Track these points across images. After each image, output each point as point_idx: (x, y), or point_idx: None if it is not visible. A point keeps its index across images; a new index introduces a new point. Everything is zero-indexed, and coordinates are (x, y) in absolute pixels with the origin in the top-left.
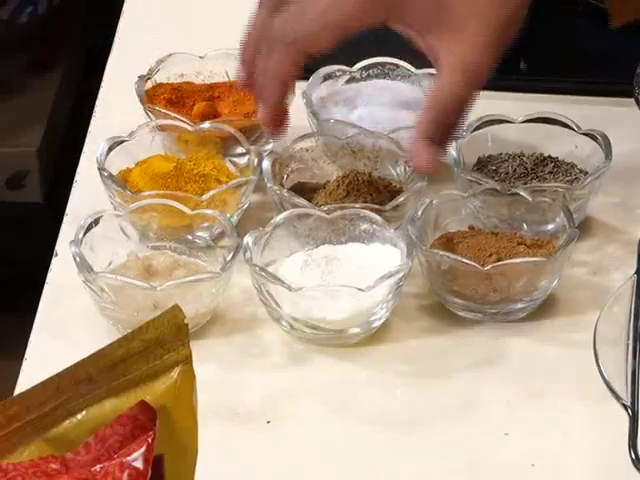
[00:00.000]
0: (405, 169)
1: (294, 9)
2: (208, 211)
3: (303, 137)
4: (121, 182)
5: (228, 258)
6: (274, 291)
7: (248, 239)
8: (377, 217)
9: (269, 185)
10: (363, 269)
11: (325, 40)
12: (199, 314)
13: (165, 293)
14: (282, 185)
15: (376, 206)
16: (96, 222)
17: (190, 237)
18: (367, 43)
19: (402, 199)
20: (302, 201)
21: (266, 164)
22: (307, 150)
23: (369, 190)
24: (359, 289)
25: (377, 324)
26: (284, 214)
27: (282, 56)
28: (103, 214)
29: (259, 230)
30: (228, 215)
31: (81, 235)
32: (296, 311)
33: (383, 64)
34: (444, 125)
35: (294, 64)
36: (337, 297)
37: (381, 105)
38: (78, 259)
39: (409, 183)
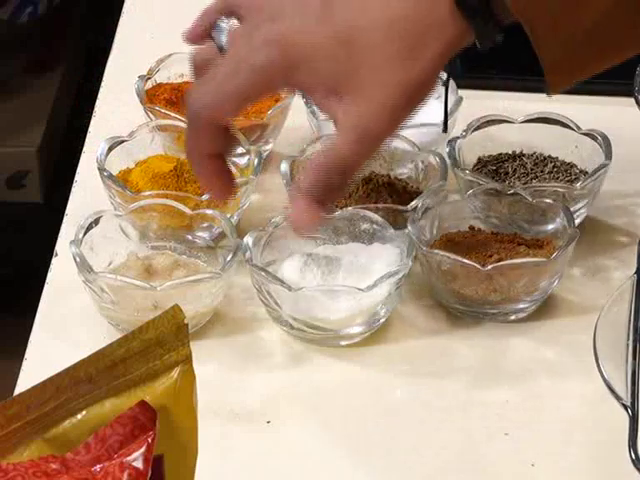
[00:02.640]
0: (421, 169)
1: (200, 81)
2: (208, 211)
3: (319, 139)
4: (121, 182)
5: (228, 258)
6: (274, 291)
7: (248, 239)
8: (377, 217)
9: (288, 188)
10: (363, 269)
11: (227, 110)
12: (199, 314)
13: (165, 293)
14: (300, 187)
15: (399, 207)
16: (96, 222)
17: (190, 237)
18: None
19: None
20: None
21: (284, 167)
22: None
23: (389, 191)
24: (359, 289)
25: (377, 324)
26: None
27: (194, 132)
28: (103, 214)
29: (259, 230)
30: (228, 215)
31: (81, 235)
32: (296, 311)
33: None
34: (326, 185)
35: (208, 137)
36: (337, 297)
37: None
38: (78, 259)
39: (427, 183)
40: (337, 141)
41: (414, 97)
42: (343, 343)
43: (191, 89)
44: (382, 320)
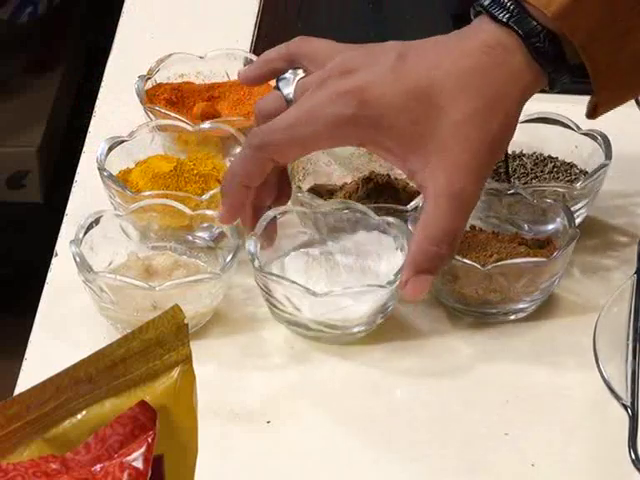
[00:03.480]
0: None
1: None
2: (208, 211)
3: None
4: (121, 182)
5: (228, 259)
6: (292, 296)
7: (250, 245)
8: (359, 205)
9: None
10: (360, 258)
11: (291, 153)
12: (199, 314)
13: (164, 293)
14: (300, 188)
15: (399, 207)
16: (96, 222)
17: (190, 237)
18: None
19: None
20: (320, 202)
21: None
22: (322, 152)
23: (389, 191)
24: (382, 286)
25: (386, 314)
26: (265, 216)
27: (247, 160)
28: (103, 214)
29: (253, 234)
30: None
31: (81, 235)
32: (317, 314)
33: None
34: (436, 257)
35: (258, 170)
36: (362, 297)
37: None
38: (78, 259)
39: None
40: (434, 210)
41: (497, 151)
42: (358, 337)
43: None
44: (390, 309)
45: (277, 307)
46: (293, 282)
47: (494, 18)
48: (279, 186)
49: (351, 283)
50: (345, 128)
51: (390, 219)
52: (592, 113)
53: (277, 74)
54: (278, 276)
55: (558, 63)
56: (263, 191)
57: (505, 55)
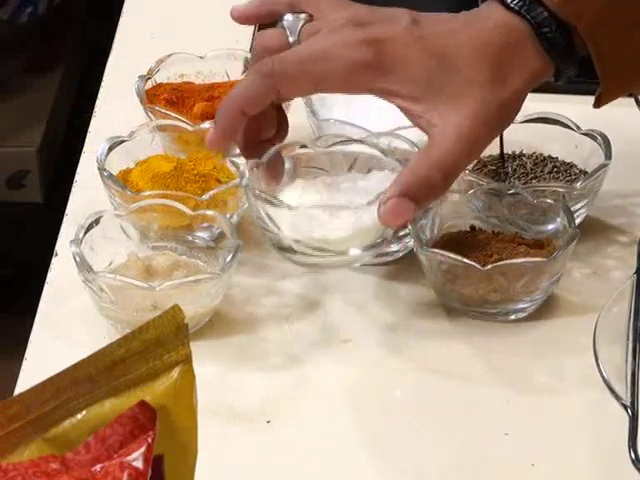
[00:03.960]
0: None
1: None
2: (208, 212)
3: (319, 139)
4: (121, 182)
5: (228, 259)
6: (273, 213)
7: (245, 167)
8: (372, 149)
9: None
10: (362, 191)
11: (300, 87)
12: (199, 314)
13: (164, 293)
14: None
15: None
16: (96, 222)
17: (190, 238)
18: None
19: None
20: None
21: (288, 165)
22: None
23: None
24: (358, 205)
25: (380, 247)
26: (276, 148)
27: (251, 86)
28: (103, 214)
29: (256, 160)
30: (228, 215)
31: (81, 235)
32: (296, 232)
33: None
34: (427, 184)
35: (261, 98)
36: (338, 214)
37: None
38: (78, 259)
39: None
40: (440, 141)
41: (505, 113)
42: (347, 265)
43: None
44: (384, 243)
45: (264, 228)
46: (271, 196)
47: (505, 5)
48: (278, 120)
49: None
50: (359, 73)
51: (400, 159)
52: (597, 101)
53: (275, 16)
54: (260, 191)
55: (567, 54)
56: (262, 123)
57: (518, 38)
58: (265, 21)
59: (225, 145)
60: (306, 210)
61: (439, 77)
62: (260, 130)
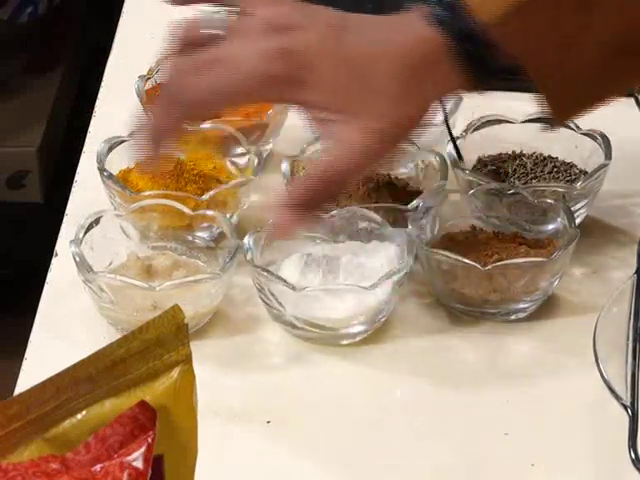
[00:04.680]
0: (421, 169)
1: (209, 59)
2: (208, 212)
3: (319, 139)
4: (121, 182)
5: (228, 259)
6: (277, 291)
7: (249, 240)
8: (375, 215)
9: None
10: (363, 268)
11: (214, 106)
12: (199, 314)
13: (164, 293)
14: None
15: (399, 206)
16: (96, 222)
17: (190, 238)
18: None
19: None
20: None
21: (285, 166)
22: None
23: (389, 191)
24: (363, 287)
25: (378, 323)
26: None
27: (168, 104)
28: (103, 214)
29: (258, 230)
30: (228, 215)
31: (81, 235)
32: (299, 311)
33: None
34: (314, 192)
35: (180, 124)
36: (341, 296)
37: None
38: (78, 259)
39: (426, 183)
40: (332, 152)
41: (407, 129)
42: (344, 342)
43: (179, 63)
44: (383, 319)
45: (266, 303)
46: (275, 275)
47: (428, 16)
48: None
49: (342, 286)
50: (273, 86)
51: (401, 230)
52: (551, 122)
53: (207, 1)
54: (264, 269)
55: (484, 67)
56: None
57: (431, 50)
58: (199, 3)
59: (156, 165)
60: (310, 292)
61: (351, 92)
62: None
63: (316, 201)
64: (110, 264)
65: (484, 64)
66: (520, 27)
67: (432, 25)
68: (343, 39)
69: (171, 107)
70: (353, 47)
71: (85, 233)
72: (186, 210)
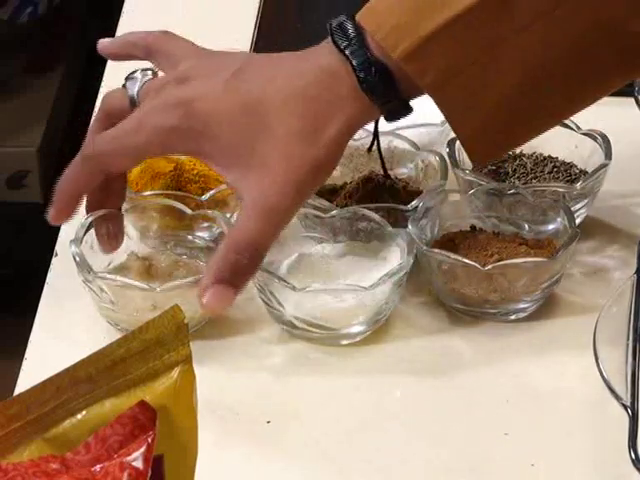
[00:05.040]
0: (421, 169)
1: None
2: (208, 211)
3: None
4: None
5: None
6: (277, 291)
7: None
8: (375, 216)
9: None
10: (363, 268)
11: (121, 163)
12: (199, 314)
13: (164, 294)
14: None
15: (399, 207)
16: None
17: (190, 237)
18: None
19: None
20: (323, 202)
21: None
22: None
23: (389, 191)
24: (363, 288)
25: (379, 323)
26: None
27: (75, 167)
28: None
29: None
30: (228, 215)
31: (81, 234)
32: (299, 311)
33: None
34: (236, 266)
35: (85, 179)
36: (341, 296)
37: None
38: (78, 259)
39: (426, 183)
40: (243, 220)
41: (318, 172)
42: (344, 342)
43: (96, 133)
44: (383, 319)
45: (267, 303)
46: (275, 275)
47: (334, 43)
48: (111, 186)
49: (342, 285)
50: (170, 138)
51: (401, 230)
52: (471, 160)
53: (132, 59)
54: (264, 269)
55: (389, 97)
56: (106, 193)
57: (334, 82)
58: (126, 60)
59: (66, 220)
60: (310, 292)
61: (250, 139)
62: (105, 200)
63: (240, 272)
64: (109, 264)
65: (394, 94)
66: (424, 58)
67: (338, 54)
68: (241, 83)
69: (82, 161)
70: (251, 91)
71: (85, 233)
72: (186, 210)
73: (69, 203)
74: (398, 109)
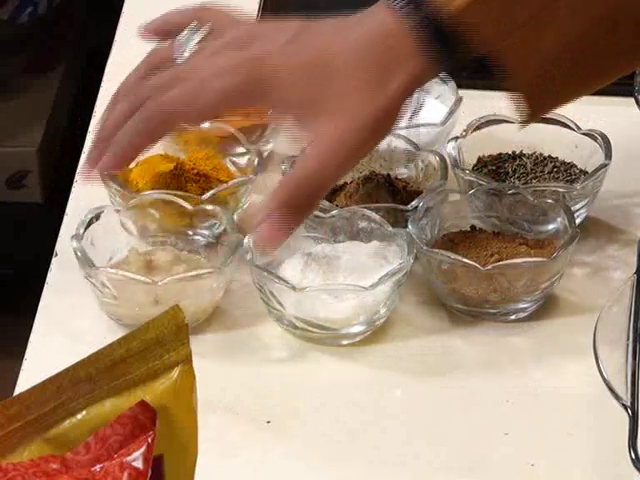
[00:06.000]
0: (421, 169)
1: (170, 76)
2: (209, 207)
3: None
4: (121, 181)
5: (229, 254)
6: (277, 291)
7: (249, 240)
8: (375, 215)
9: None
10: (363, 267)
11: (187, 121)
12: (199, 310)
13: (166, 288)
14: None
15: (399, 206)
16: (97, 217)
17: (191, 233)
18: None
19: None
20: (323, 202)
21: (284, 167)
22: None
23: (389, 191)
24: (363, 287)
25: (379, 322)
26: None
27: (139, 125)
28: (104, 209)
29: (258, 232)
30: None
31: (82, 230)
32: (299, 311)
33: None
34: (299, 200)
35: (152, 135)
36: (341, 296)
37: None
38: (79, 254)
39: (426, 183)
40: (312, 155)
41: (381, 123)
42: (344, 342)
43: (157, 80)
44: (383, 319)
45: (267, 303)
46: (275, 275)
47: (390, 7)
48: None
49: (342, 285)
50: (235, 99)
51: (401, 230)
52: (520, 120)
53: (177, 35)
54: (264, 269)
55: (446, 55)
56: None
57: (393, 42)
58: (170, 38)
59: (125, 168)
60: (310, 292)
61: (318, 93)
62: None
63: (300, 204)
64: (110, 259)
65: (452, 53)
66: (482, 16)
67: (395, 15)
68: (301, 44)
69: (145, 120)
70: (311, 49)
71: (86, 228)
72: (187, 206)
73: (131, 157)
74: (457, 65)
